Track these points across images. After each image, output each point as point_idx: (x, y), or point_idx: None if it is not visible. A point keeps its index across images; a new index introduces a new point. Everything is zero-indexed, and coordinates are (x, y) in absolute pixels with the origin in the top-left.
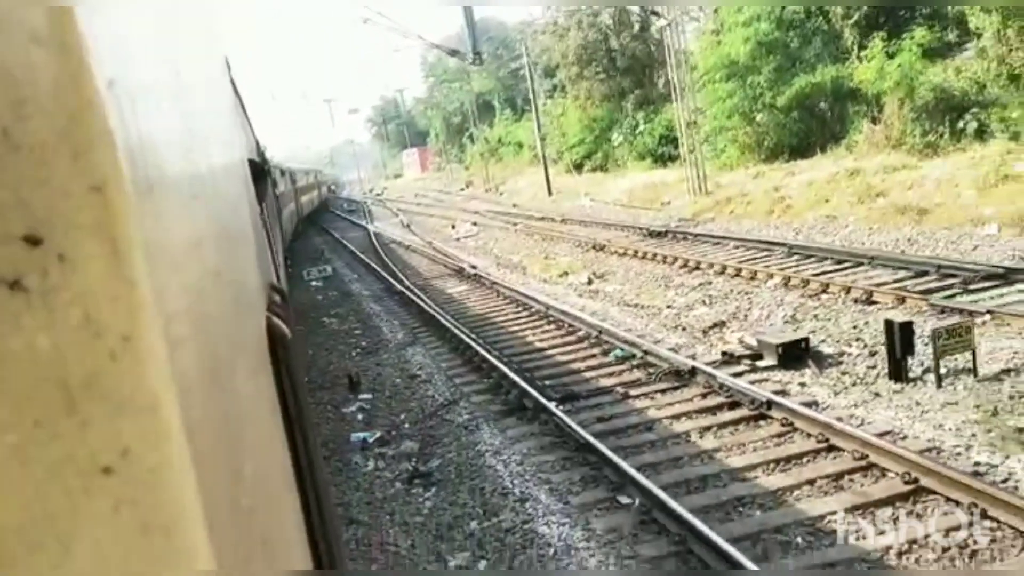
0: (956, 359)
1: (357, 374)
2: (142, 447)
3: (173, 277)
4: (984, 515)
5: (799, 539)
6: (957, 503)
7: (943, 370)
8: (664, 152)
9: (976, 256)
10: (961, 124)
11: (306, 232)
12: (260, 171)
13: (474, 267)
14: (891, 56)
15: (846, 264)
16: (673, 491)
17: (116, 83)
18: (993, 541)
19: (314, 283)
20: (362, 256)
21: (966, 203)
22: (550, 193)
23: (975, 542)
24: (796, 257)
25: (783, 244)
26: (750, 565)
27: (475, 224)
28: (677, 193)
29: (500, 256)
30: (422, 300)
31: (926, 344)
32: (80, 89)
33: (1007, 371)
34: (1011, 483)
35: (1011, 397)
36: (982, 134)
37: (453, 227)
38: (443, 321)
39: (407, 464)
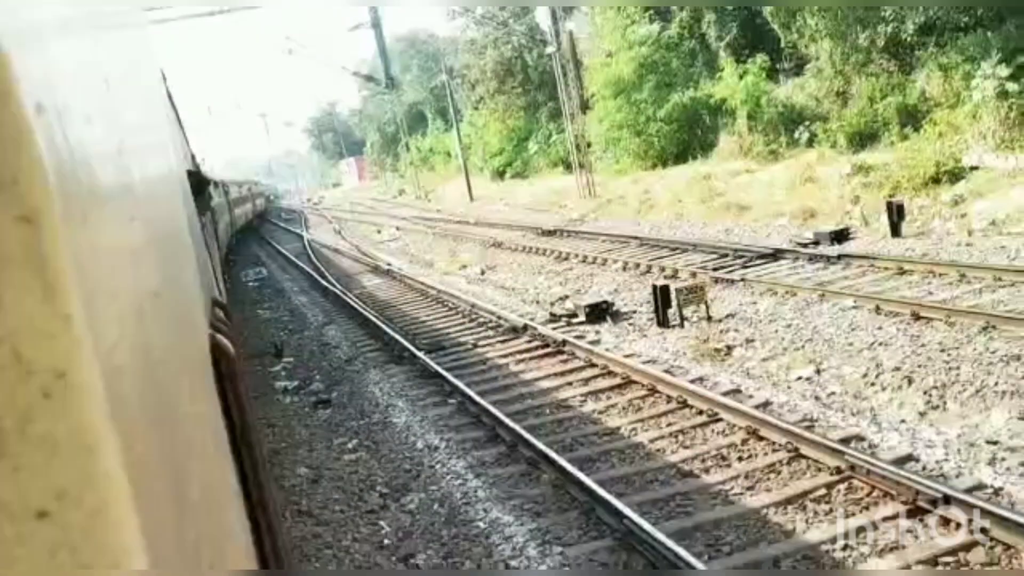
0: (712, 308)
1: (281, 344)
2: (80, 489)
3: (110, 305)
4: (684, 405)
5: (549, 410)
6: (652, 389)
7: (695, 317)
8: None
9: (768, 242)
10: (796, 135)
11: (246, 240)
12: (200, 183)
13: (389, 264)
14: (742, 77)
15: (676, 251)
16: (480, 392)
17: (44, 108)
18: (669, 400)
19: (251, 284)
20: (295, 260)
21: (777, 201)
22: (471, 199)
23: (656, 404)
24: (643, 247)
25: (637, 237)
26: (537, 443)
27: (398, 228)
28: (575, 197)
29: (414, 255)
30: (341, 292)
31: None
32: (6, 116)
33: (730, 315)
34: (708, 380)
35: (721, 331)
36: (812, 143)
37: (379, 232)
38: (355, 306)
39: (314, 397)
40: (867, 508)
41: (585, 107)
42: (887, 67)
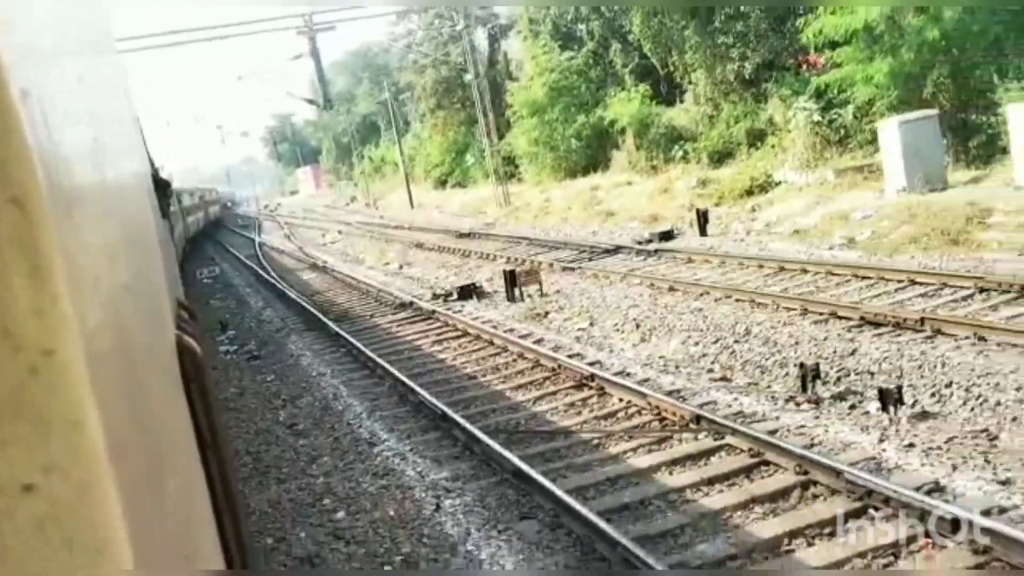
0: (545, 287)
1: (226, 320)
2: (67, 464)
3: (91, 291)
4: (507, 351)
5: (406, 351)
6: (478, 337)
7: (535, 294)
8: (506, 171)
9: (616, 240)
10: (672, 152)
11: (201, 244)
12: (163, 186)
13: (325, 262)
14: (630, 101)
15: (551, 248)
16: (361, 341)
17: (29, 94)
18: (489, 344)
19: (205, 280)
20: (246, 261)
21: (639, 208)
22: (412, 206)
23: (483, 351)
24: (529, 246)
25: (527, 238)
26: (389, 367)
27: (340, 232)
28: (493, 205)
29: (350, 255)
30: (281, 285)
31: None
32: None
33: (558, 292)
34: (521, 332)
35: (547, 303)
36: (685, 159)
37: (324, 235)
38: (289, 294)
39: (248, 354)
40: (598, 395)
41: (508, 125)
42: (744, 96)
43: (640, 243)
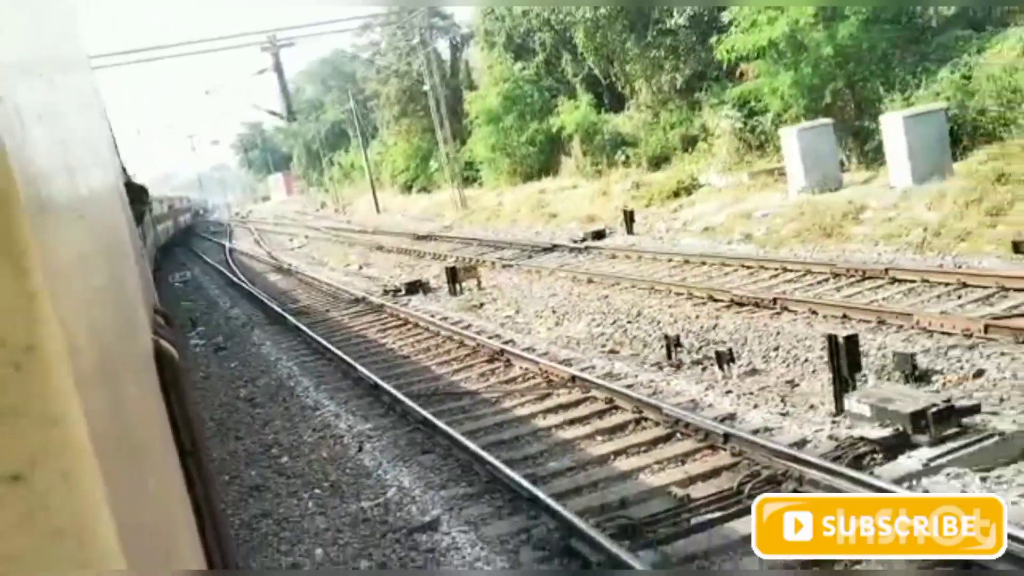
0: (484, 282)
1: (196, 318)
2: (51, 455)
3: (67, 291)
4: (439, 335)
5: (354, 338)
6: (417, 325)
7: (474, 288)
8: (469, 175)
9: (554, 240)
10: (616, 156)
11: (173, 251)
12: (137, 193)
13: (291, 265)
14: (577, 109)
15: (497, 248)
16: (320, 333)
17: (3, 100)
18: (426, 330)
19: (177, 284)
20: (216, 265)
21: (579, 209)
22: (378, 211)
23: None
24: (478, 246)
25: (478, 239)
26: (336, 351)
27: (307, 237)
28: (451, 209)
29: (315, 258)
30: (248, 286)
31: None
32: None
33: (494, 287)
34: (455, 320)
35: (483, 295)
36: (627, 163)
37: (291, 240)
38: (255, 294)
39: (215, 346)
40: (505, 366)
41: (468, 132)
42: (679, 105)
43: (575, 242)
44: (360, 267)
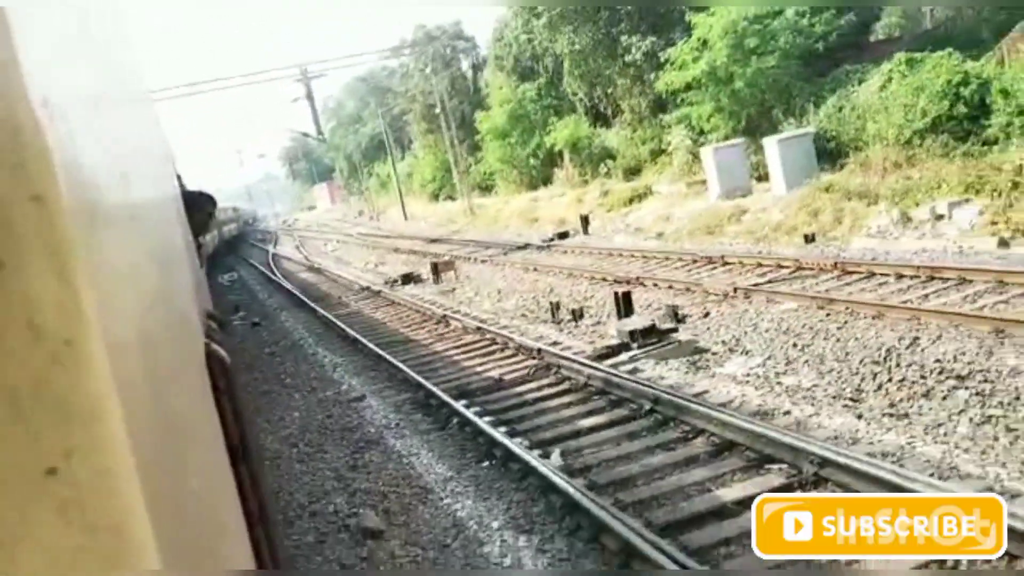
0: (459, 273)
1: (238, 305)
2: (87, 449)
3: (113, 288)
4: (411, 309)
5: (355, 316)
6: (406, 306)
7: (452, 278)
8: (488, 184)
9: (530, 239)
10: (600, 168)
11: (223, 256)
12: (200, 204)
13: (321, 265)
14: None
15: (485, 248)
16: (328, 312)
17: (50, 102)
18: (410, 309)
19: (225, 283)
20: (259, 267)
21: (557, 214)
22: (405, 218)
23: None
24: (472, 246)
25: (475, 241)
26: (339, 323)
27: (339, 242)
28: (462, 216)
29: (342, 259)
30: (282, 282)
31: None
32: (17, 105)
33: (468, 277)
34: (429, 300)
35: (458, 282)
36: (608, 174)
37: (326, 245)
38: (288, 287)
39: (253, 323)
40: (444, 325)
41: (477, 147)
42: (652, 122)
43: (542, 242)
44: (376, 265)
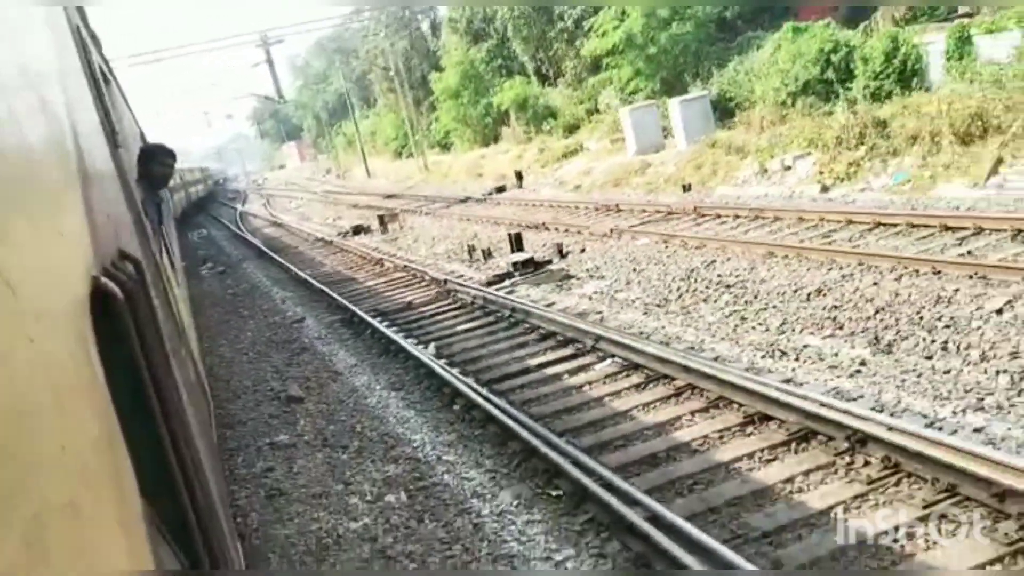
0: (404, 224)
1: (205, 257)
2: None
3: None
4: (355, 255)
5: (308, 261)
6: (355, 253)
7: (397, 228)
8: (446, 142)
9: (471, 193)
10: (544, 126)
11: (194, 215)
12: (158, 157)
13: (283, 221)
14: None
15: (432, 202)
16: (285, 259)
17: None
18: (358, 255)
19: (196, 240)
20: (227, 224)
21: (499, 170)
22: (368, 175)
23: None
24: (420, 200)
25: (425, 196)
26: (293, 268)
27: (302, 199)
28: (417, 172)
29: (304, 215)
30: (248, 236)
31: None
32: None
33: (411, 227)
34: (374, 247)
35: (402, 232)
36: (550, 132)
37: (291, 202)
38: (252, 241)
39: (220, 271)
40: (381, 266)
41: (434, 107)
42: (588, 83)
43: (482, 195)
44: (334, 220)
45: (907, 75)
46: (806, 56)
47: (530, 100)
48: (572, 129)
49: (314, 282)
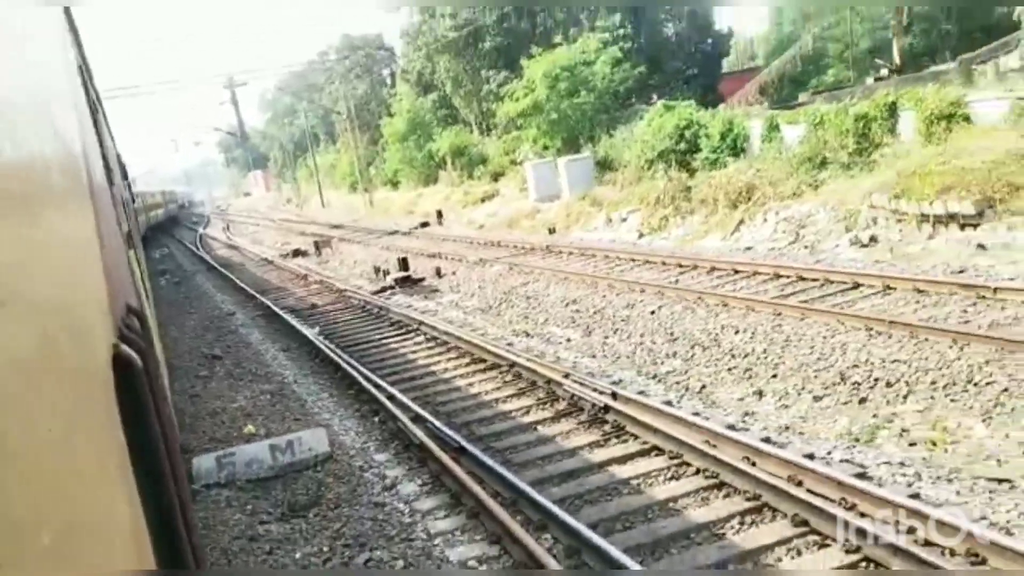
0: (336, 250)
1: (165, 270)
2: None
3: None
4: (288, 272)
5: (249, 278)
6: (291, 272)
7: (329, 253)
8: (395, 181)
9: (400, 228)
10: (476, 172)
11: (158, 236)
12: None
13: (239, 244)
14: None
15: (368, 233)
16: (232, 274)
17: None
18: (291, 274)
19: (157, 258)
20: (188, 245)
21: (428, 208)
22: (324, 206)
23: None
24: (359, 232)
25: (365, 228)
26: (237, 280)
27: (258, 225)
28: (363, 207)
29: (258, 239)
30: (204, 255)
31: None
32: None
33: (340, 253)
34: (308, 268)
35: (332, 256)
36: (480, 177)
37: (249, 228)
38: (207, 259)
39: (176, 282)
40: (308, 283)
41: (383, 148)
42: (513, 136)
43: (410, 229)
44: (282, 244)
45: (737, 149)
46: (664, 130)
47: (467, 148)
48: (497, 176)
49: (248, 289)
